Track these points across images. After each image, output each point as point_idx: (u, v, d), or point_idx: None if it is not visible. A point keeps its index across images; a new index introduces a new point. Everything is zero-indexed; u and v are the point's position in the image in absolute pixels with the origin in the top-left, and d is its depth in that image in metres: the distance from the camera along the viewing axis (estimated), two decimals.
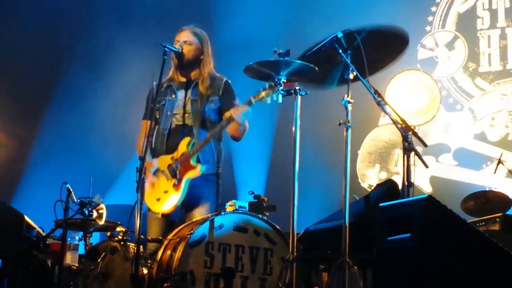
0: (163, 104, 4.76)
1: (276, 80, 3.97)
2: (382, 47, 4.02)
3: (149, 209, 4.62)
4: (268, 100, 4.27)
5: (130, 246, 4.47)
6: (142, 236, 4.05)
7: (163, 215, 4.61)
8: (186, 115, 4.71)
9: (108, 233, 4.69)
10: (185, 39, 4.74)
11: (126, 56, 8.27)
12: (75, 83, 8.62)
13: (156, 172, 4.60)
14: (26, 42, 8.45)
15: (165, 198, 4.56)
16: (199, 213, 4.58)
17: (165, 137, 4.69)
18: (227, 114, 4.51)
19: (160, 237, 4.44)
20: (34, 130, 8.45)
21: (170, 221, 4.65)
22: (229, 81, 4.79)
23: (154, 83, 4.66)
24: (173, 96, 4.76)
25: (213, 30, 7.88)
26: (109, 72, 8.49)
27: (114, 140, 8.01)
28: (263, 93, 4.26)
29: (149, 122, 4.34)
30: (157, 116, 4.75)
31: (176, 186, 4.54)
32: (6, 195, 7.53)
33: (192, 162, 4.54)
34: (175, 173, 4.55)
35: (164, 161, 4.64)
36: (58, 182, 4.82)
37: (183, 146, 4.59)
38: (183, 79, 4.82)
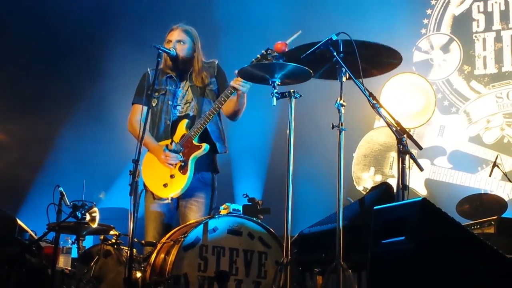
0: (163, 93, 4.75)
1: (270, 82, 3.94)
2: (374, 60, 4.02)
3: (154, 197, 4.61)
4: None
5: (124, 249, 4.45)
6: (135, 240, 4.03)
7: (161, 216, 4.62)
8: (187, 104, 4.74)
9: (101, 237, 4.67)
10: (178, 39, 4.75)
11: (121, 57, 8.25)
12: (71, 86, 8.61)
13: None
14: (23, 44, 8.43)
15: (173, 182, 4.56)
16: (193, 216, 4.57)
17: (169, 127, 4.70)
18: (232, 84, 4.54)
19: (154, 241, 4.41)
20: (27, 132, 8.42)
21: (168, 224, 4.63)
22: (219, 64, 4.87)
23: (149, 69, 4.77)
24: (174, 86, 4.79)
25: (212, 28, 7.89)
26: (104, 74, 8.48)
27: (107, 143, 7.99)
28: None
29: (144, 107, 4.45)
30: (153, 104, 4.75)
31: (183, 169, 4.55)
32: None
33: (195, 142, 4.59)
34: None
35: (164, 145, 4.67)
36: (51, 185, 4.79)
37: (181, 129, 4.64)
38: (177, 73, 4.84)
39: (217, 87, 4.77)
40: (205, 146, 4.58)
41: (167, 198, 4.57)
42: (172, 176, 4.57)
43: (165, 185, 4.57)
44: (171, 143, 4.61)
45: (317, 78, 4.14)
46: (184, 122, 4.65)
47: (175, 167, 4.57)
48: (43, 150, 8.36)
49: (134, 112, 4.83)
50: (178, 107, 4.74)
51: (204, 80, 4.75)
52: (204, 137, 4.64)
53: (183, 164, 4.55)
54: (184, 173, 4.54)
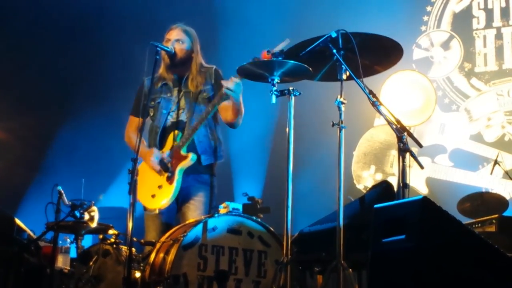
0: (158, 102, 4.73)
1: (269, 80, 3.91)
2: (375, 54, 3.99)
3: (145, 208, 4.58)
4: None
5: (123, 249, 4.44)
6: (134, 239, 4.01)
7: (160, 215, 4.59)
8: (181, 111, 4.69)
9: (100, 236, 4.66)
10: (177, 38, 4.72)
11: (118, 56, 8.25)
12: (69, 85, 8.60)
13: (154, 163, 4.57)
14: (21, 42, 8.42)
15: (160, 193, 4.53)
16: (192, 215, 4.55)
17: (158, 134, 4.67)
18: (221, 91, 4.44)
19: (153, 240, 4.40)
20: (26, 131, 8.40)
21: (168, 223, 4.61)
22: (219, 69, 4.79)
23: (145, 78, 4.72)
24: (169, 94, 4.74)
25: (212, 29, 7.88)
26: (102, 72, 8.47)
27: (106, 143, 7.97)
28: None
29: (140, 119, 4.30)
30: (151, 114, 4.73)
31: (170, 179, 4.51)
32: None
33: (183, 152, 4.53)
34: (166, 167, 4.53)
35: None
36: (49, 184, 4.78)
37: (171, 140, 4.61)
38: (174, 77, 4.79)
39: (213, 94, 4.66)
40: (191, 156, 4.51)
41: (155, 210, 4.53)
42: (160, 187, 4.54)
43: (153, 196, 4.54)
44: (161, 153, 4.58)
45: (318, 81, 4.13)
46: (175, 132, 4.59)
47: (161, 173, 4.53)
48: (42, 149, 8.36)
49: (129, 123, 4.83)
50: (172, 113, 4.70)
51: (198, 86, 4.68)
52: (192, 147, 4.59)
53: (170, 174, 4.52)
54: (171, 183, 4.50)
